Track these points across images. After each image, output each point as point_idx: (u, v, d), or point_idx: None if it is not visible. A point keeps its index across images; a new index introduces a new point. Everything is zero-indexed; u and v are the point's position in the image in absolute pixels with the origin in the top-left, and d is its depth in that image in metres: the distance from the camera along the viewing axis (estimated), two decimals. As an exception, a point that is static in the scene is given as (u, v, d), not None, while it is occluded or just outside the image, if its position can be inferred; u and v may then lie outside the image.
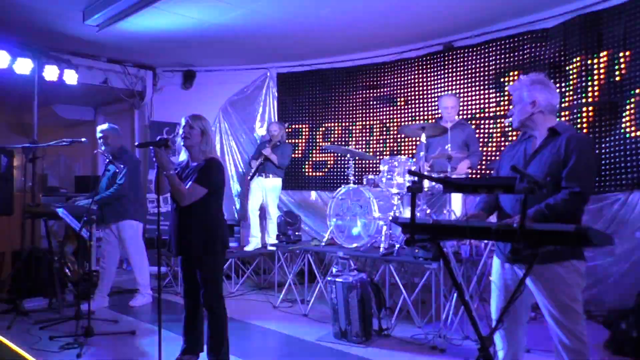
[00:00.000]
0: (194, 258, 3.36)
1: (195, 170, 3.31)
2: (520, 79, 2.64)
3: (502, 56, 5.77)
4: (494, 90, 5.86)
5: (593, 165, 2.45)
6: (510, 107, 2.68)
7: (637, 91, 4.67)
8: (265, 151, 6.26)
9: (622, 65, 4.78)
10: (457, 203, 4.81)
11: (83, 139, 4.99)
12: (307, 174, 7.42)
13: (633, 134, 4.68)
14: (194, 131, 3.31)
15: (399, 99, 6.68)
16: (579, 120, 5.09)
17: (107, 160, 5.02)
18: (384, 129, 6.83)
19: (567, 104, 5.22)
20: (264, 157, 6.28)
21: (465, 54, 6.08)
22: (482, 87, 5.95)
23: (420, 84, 6.48)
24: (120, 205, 5.12)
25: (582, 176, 2.37)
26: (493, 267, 2.71)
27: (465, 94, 6.03)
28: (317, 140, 7.36)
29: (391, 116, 6.76)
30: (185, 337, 3.52)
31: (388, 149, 6.77)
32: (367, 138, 6.99)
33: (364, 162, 6.80)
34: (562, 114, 5.25)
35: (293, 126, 7.45)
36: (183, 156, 3.44)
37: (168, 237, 3.50)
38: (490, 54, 5.87)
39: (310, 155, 7.40)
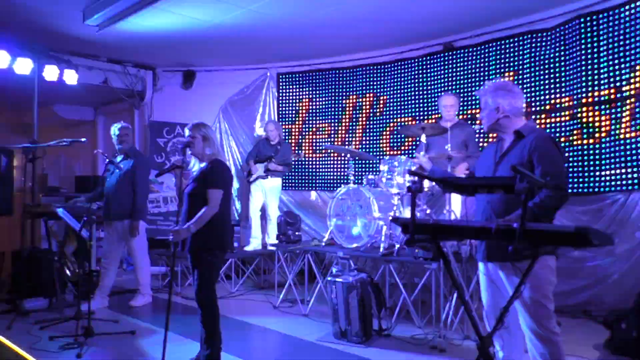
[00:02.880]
0: (194, 254, 3.45)
1: (201, 173, 3.49)
2: (485, 85, 2.78)
3: (502, 56, 5.78)
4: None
5: (559, 161, 2.54)
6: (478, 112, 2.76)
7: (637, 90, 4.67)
8: (272, 166, 6.30)
9: (621, 65, 4.79)
10: (457, 203, 4.81)
11: (83, 139, 4.99)
12: (307, 174, 7.42)
13: (633, 134, 4.68)
14: (196, 140, 3.51)
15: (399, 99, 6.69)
16: (578, 120, 5.09)
17: (107, 160, 5.04)
18: (384, 128, 6.83)
19: (567, 104, 5.23)
20: (268, 169, 6.30)
21: (465, 54, 6.08)
22: (482, 87, 5.94)
23: (420, 84, 6.48)
24: (130, 204, 5.14)
25: (554, 173, 2.42)
26: (479, 266, 2.78)
27: (465, 94, 6.03)
28: (317, 140, 7.36)
29: (391, 116, 6.76)
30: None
31: (388, 149, 6.77)
32: (367, 138, 6.99)
33: (364, 162, 6.81)
34: (563, 113, 5.26)
35: (293, 126, 7.46)
36: (195, 165, 3.62)
37: None
38: (490, 54, 5.88)
39: (310, 155, 7.40)
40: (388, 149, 6.76)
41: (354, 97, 7.09)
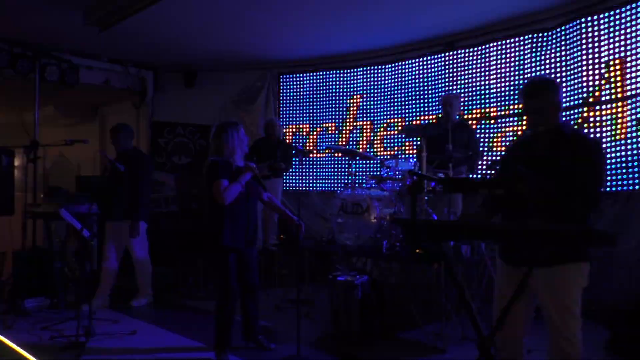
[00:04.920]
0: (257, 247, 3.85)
1: (256, 176, 3.81)
2: (531, 79, 2.71)
3: (502, 56, 5.77)
4: (494, 90, 5.85)
5: (598, 167, 2.47)
6: (519, 106, 2.73)
7: (638, 90, 4.67)
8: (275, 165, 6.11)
9: (623, 65, 4.78)
10: (457, 203, 4.81)
11: (84, 139, 5.00)
12: (307, 174, 7.42)
13: (635, 134, 4.68)
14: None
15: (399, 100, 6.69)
16: (579, 120, 5.09)
17: (108, 160, 5.03)
18: (385, 129, 6.82)
19: (566, 104, 5.22)
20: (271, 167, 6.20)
21: (466, 54, 6.08)
22: (482, 87, 5.95)
23: (420, 84, 6.48)
24: (131, 204, 5.14)
25: (588, 177, 2.38)
26: (497, 269, 2.71)
27: (466, 94, 6.03)
28: (318, 140, 7.36)
29: (392, 116, 6.76)
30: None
31: (389, 149, 6.77)
32: (368, 138, 6.98)
33: (364, 162, 6.80)
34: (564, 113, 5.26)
35: (293, 126, 7.45)
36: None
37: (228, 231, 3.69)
38: (491, 54, 5.87)
39: (311, 155, 7.39)
40: (389, 149, 6.75)
41: (354, 97, 7.09)
